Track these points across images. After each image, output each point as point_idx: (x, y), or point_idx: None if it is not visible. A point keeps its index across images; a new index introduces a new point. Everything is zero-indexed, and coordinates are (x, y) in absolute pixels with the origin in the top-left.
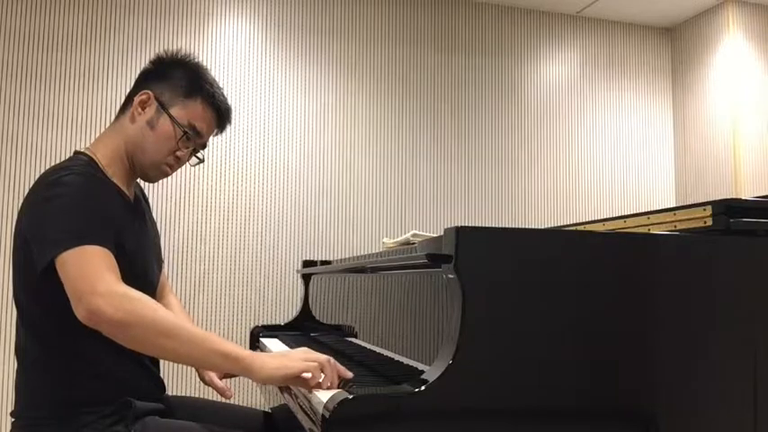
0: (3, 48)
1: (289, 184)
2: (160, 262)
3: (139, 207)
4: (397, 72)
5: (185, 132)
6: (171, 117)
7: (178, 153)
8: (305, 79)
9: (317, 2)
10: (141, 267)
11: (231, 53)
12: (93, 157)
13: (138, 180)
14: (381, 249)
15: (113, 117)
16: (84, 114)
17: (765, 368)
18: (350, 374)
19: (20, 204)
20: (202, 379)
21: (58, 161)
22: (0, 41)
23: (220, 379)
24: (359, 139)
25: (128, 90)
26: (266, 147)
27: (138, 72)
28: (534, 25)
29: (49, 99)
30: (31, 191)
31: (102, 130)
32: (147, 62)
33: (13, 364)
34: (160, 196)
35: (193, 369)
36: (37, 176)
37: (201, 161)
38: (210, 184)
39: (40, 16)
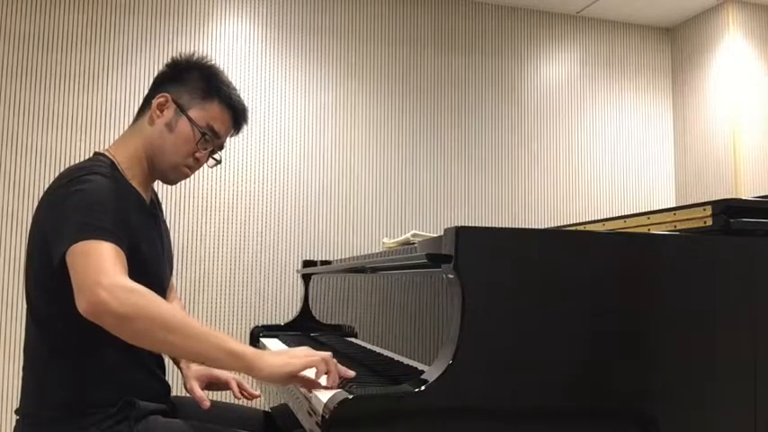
0: (3, 48)
1: (289, 184)
2: (171, 267)
3: (154, 211)
4: (397, 72)
5: (204, 134)
6: (189, 119)
7: (197, 154)
8: (305, 79)
9: (317, 2)
10: (154, 271)
11: (231, 53)
12: (114, 159)
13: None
14: (381, 249)
15: (113, 117)
16: (84, 114)
17: (765, 368)
18: (352, 373)
19: (20, 204)
20: (185, 386)
21: (58, 161)
22: (0, 41)
23: (203, 389)
24: (359, 139)
25: (128, 90)
26: (266, 147)
27: (137, 73)
28: (534, 25)
29: (49, 99)
30: (51, 188)
31: (103, 130)
32: (160, 65)
33: (14, 363)
34: (160, 196)
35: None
36: (37, 177)
37: (219, 162)
38: (210, 185)
39: (40, 16)
